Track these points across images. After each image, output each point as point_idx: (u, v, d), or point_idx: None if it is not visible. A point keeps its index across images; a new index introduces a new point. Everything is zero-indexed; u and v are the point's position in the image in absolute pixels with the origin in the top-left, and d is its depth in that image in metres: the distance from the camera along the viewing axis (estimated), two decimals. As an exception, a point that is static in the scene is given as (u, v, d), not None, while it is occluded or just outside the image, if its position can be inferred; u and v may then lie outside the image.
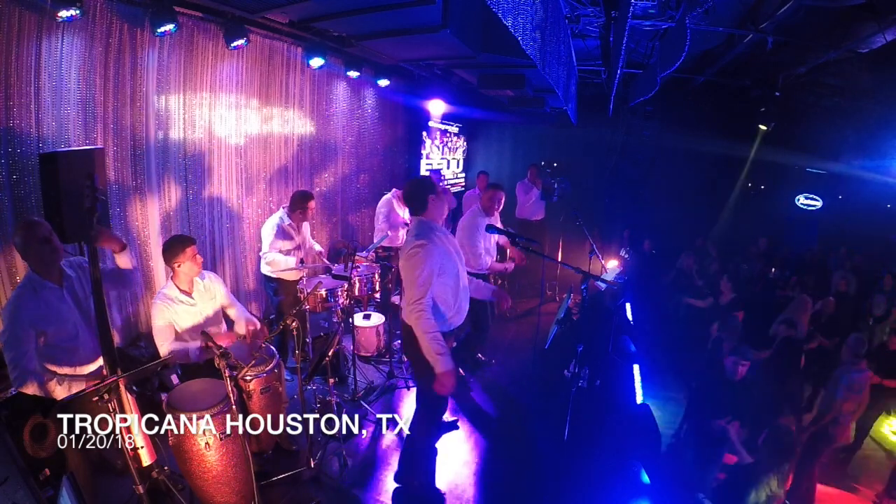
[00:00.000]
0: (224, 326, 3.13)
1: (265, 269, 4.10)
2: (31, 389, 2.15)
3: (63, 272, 2.33)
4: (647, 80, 5.73)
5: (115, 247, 2.46)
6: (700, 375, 4.25)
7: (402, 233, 5.44)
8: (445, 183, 8.67)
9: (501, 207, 4.25)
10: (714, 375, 3.82)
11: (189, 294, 2.87)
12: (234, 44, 3.94)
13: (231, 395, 2.34)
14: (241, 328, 3.12)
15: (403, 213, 5.46)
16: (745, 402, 3.59)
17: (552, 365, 4.57)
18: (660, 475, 3.17)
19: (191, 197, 4.21)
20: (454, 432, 3.60)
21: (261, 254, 4.11)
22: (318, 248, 4.41)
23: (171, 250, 2.78)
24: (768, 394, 4.17)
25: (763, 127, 7.51)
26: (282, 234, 3.98)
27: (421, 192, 2.66)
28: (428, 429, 2.78)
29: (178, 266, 2.79)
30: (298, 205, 4.03)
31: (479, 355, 4.60)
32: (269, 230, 4.00)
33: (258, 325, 3.12)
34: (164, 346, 2.75)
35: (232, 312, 3.16)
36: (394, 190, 5.55)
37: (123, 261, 2.52)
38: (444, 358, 2.42)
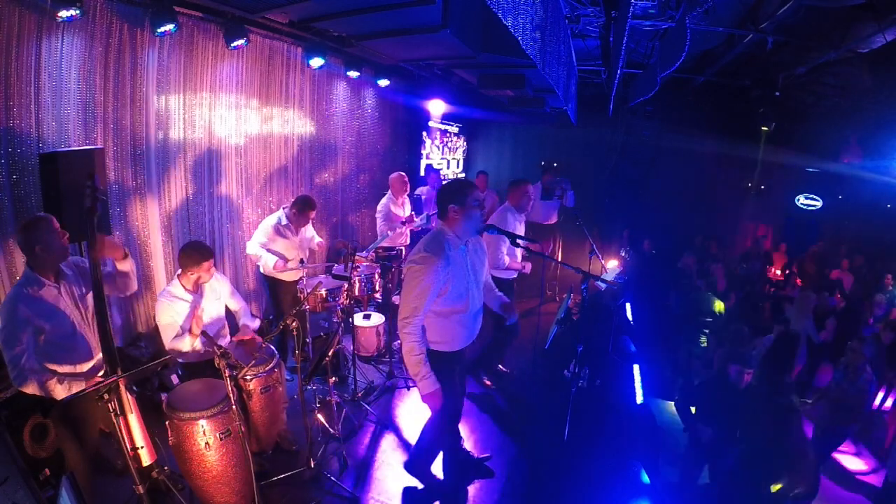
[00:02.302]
0: (227, 327, 3.13)
1: (262, 270, 4.10)
2: (31, 389, 2.15)
3: (60, 270, 2.33)
4: (647, 80, 5.73)
5: (117, 255, 2.45)
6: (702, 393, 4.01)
7: (403, 230, 5.41)
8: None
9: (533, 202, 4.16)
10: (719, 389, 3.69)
11: (191, 291, 2.87)
12: (234, 44, 3.93)
13: (231, 395, 2.34)
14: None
15: (401, 211, 5.44)
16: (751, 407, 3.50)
17: (552, 365, 4.57)
18: (660, 476, 3.16)
19: (191, 197, 4.21)
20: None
21: (247, 242, 4.11)
22: (318, 239, 4.39)
23: (189, 259, 2.77)
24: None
25: (765, 128, 7.51)
26: (276, 233, 3.99)
27: (443, 197, 2.42)
28: (439, 434, 2.76)
29: (191, 274, 2.81)
30: (298, 209, 4.02)
31: (501, 367, 4.47)
32: (263, 227, 4.02)
33: (251, 335, 3.08)
34: (169, 340, 2.76)
35: (235, 311, 3.18)
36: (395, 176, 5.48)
37: (125, 267, 2.52)
38: (427, 380, 2.35)
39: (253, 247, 3.99)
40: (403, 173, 5.47)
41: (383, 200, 5.35)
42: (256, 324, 3.20)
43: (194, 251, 2.80)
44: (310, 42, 4.67)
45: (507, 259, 3.92)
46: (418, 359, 2.34)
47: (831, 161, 7.84)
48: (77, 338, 2.34)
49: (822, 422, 3.98)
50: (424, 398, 2.40)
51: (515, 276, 4.17)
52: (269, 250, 3.97)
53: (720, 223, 9.27)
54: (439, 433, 2.75)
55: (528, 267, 4.21)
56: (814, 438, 3.95)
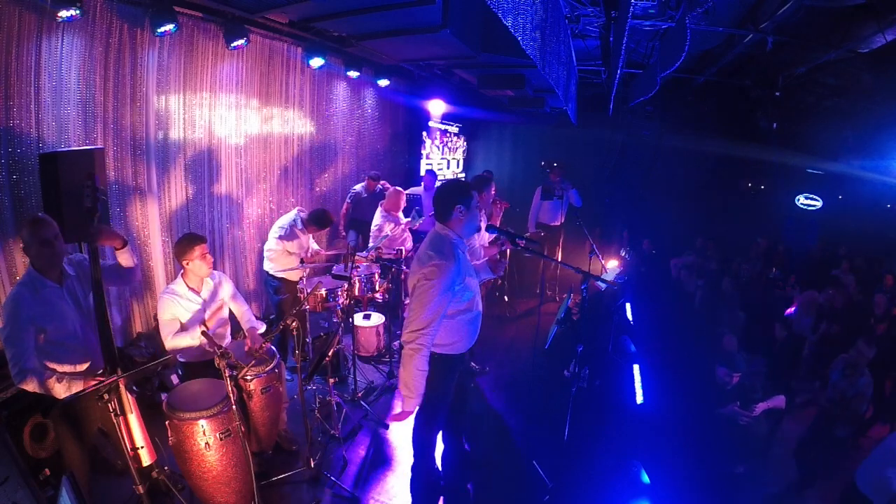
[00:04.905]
0: (229, 328, 3.13)
1: (268, 267, 4.11)
2: (31, 387, 2.15)
3: (63, 270, 2.33)
4: (647, 80, 5.72)
5: (116, 244, 2.45)
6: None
7: (398, 229, 5.31)
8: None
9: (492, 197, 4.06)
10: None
11: (197, 292, 2.86)
12: (234, 44, 3.94)
13: (231, 395, 2.33)
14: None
15: (394, 228, 5.28)
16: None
17: (552, 365, 4.57)
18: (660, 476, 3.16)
19: (191, 197, 4.21)
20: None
21: (266, 247, 4.14)
22: (315, 246, 4.43)
23: (181, 248, 2.78)
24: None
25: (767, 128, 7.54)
26: (291, 234, 4.04)
27: (448, 198, 2.31)
28: (429, 429, 2.76)
29: (188, 264, 2.79)
30: (315, 221, 4.07)
31: (473, 364, 4.39)
32: (279, 227, 4.06)
33: (255, 338, 3.03)
34: (168, 338, 2.75)
35: (238, 314, 3.17)
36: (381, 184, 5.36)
37: (125, 258, 2.51)
38: (417, 400, 2.31)
39: (272, 252, 4.05)
40: (402, 190, 5.35)
41: (377, 220, 5.18)
42: (263, 328, 3.19)
43: (185, 238, 2.81)
44: (310, 42, 4.67)
45: (480, 249, 3.82)
46: (423, 375, 2.27)
47: (831, 161, 7.84)
48: (78, 338, 2.33)
49: (815, 426, 3.92)
50: (405, 414, 2.38)
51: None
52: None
53: (720, 223, 9.27)
54: (428, 431, 2.72)
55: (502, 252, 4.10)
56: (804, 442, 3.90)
